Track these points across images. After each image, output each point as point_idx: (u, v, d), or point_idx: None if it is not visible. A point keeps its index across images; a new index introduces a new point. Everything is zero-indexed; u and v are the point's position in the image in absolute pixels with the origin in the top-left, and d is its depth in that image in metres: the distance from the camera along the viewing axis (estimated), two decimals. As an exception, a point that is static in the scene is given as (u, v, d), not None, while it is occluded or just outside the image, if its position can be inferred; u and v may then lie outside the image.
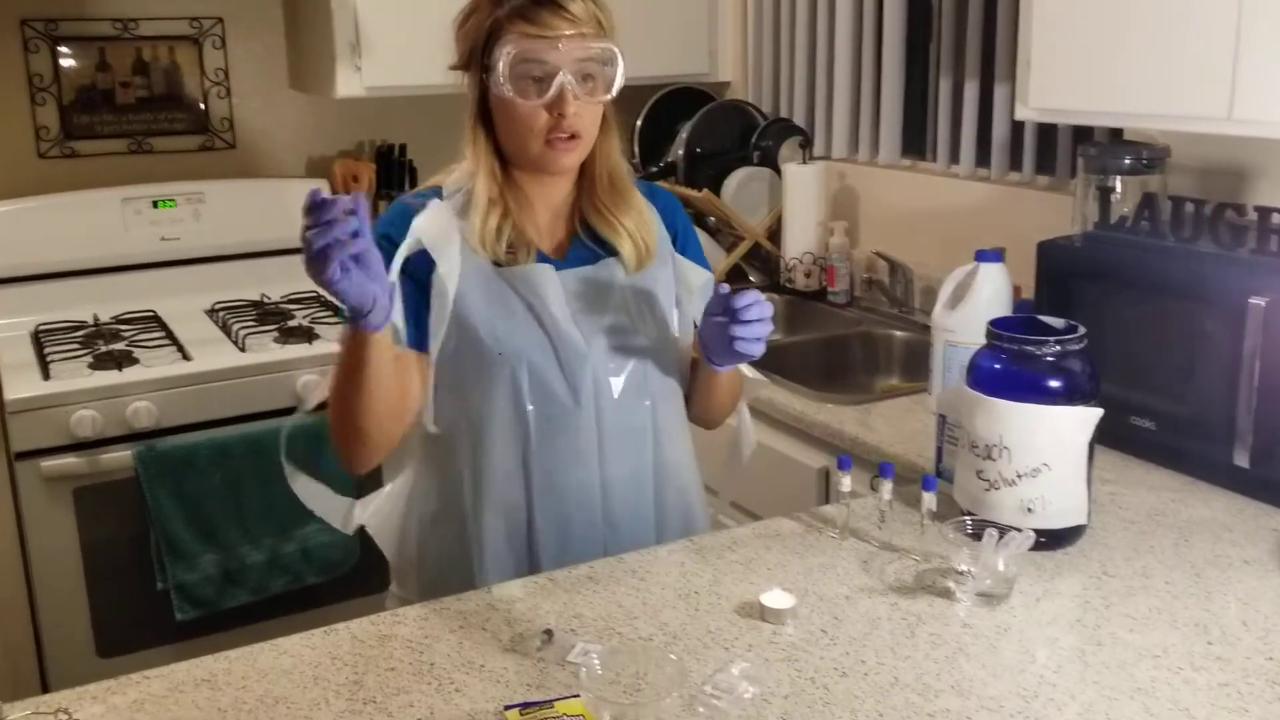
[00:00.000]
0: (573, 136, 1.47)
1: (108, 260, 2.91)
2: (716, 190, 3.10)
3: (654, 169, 3.19)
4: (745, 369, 1.69)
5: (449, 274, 1.49)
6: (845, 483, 1.61)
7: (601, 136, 1.56)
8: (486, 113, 1.53)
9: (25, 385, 2.41)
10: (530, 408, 1.51)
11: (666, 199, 1.70)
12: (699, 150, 3.18)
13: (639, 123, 3.30)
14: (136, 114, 3.03)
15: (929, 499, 1.56)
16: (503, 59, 1.44)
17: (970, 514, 1.56)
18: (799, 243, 2.98)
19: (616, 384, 1.56)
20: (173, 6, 3.02)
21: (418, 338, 1.50)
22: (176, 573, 2.47)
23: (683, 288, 1.64)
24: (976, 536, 1.44)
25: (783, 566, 1.53)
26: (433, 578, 1.60)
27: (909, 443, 2.02)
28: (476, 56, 1.49)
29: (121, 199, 2.90)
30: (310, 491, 1.56)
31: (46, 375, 2.46)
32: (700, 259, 1.69)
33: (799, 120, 3.12)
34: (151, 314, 2.89)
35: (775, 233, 3.08)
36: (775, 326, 3.03)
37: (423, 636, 1.37)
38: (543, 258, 1.55)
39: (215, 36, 3.08)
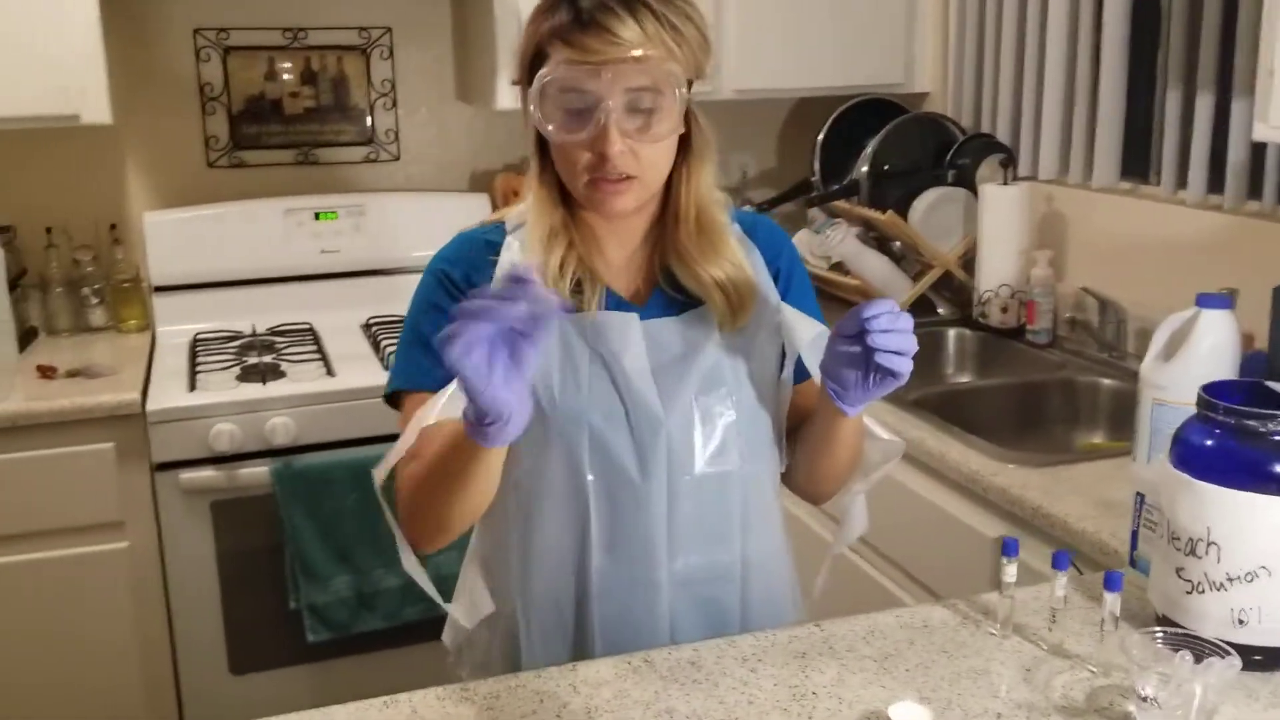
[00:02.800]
0: (624, 178, 1.24)
1: (269, 271, 2.87)
2: (904, 212, 2.82)
3: (833, 188, 2.93)
4: (877, 427, 1.41)
5: None
6: (1010, 572, 1.33)
7: (688, 165, 1.31)
8: (543, 139, 1.29)
9: (169, 396, 2.38)
10: (590, 478, 1.29)
11: (769, 232, 1.43)
12: (887, 167, 2.90)
13: (821, 136, 3.04)
14: (303, 124, 2.99)
15: (1112, 601, 1.26)
16: (538, 86, 1.22)
17: (1166, 620, 1.26)
18: (996, 273, 2.66)
19: (698, 459, 1.31)
20: (342, 16, 2.97)
21: None
22: (309, 593, 2.39)
23: (788, 341, 1.38)
24: (1174, 650, 1.14)
25: (925, 668, 1.26)
26: (482, 659, 1.41)
27: (1103, 519, 1.70)
28: (524, 75, 1.27)
29: (284, 210, 2.87)
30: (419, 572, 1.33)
31: (192, 386, 2.42)
32: (812, 307, 1.42)
33: (1003, 136, 2.81)
34: (307, 327, 2.83)
35: (969, 261, 2.77)
36: (960, 365, 2.76)
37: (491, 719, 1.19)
38: (618, 303, 1.33)
39: (383, 47, 3.01)
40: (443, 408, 1.19)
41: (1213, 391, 1.27)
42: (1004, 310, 2.64)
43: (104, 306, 2.83)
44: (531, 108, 1.24)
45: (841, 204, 2.93)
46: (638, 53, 1.19)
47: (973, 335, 2.70)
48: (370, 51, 3.01)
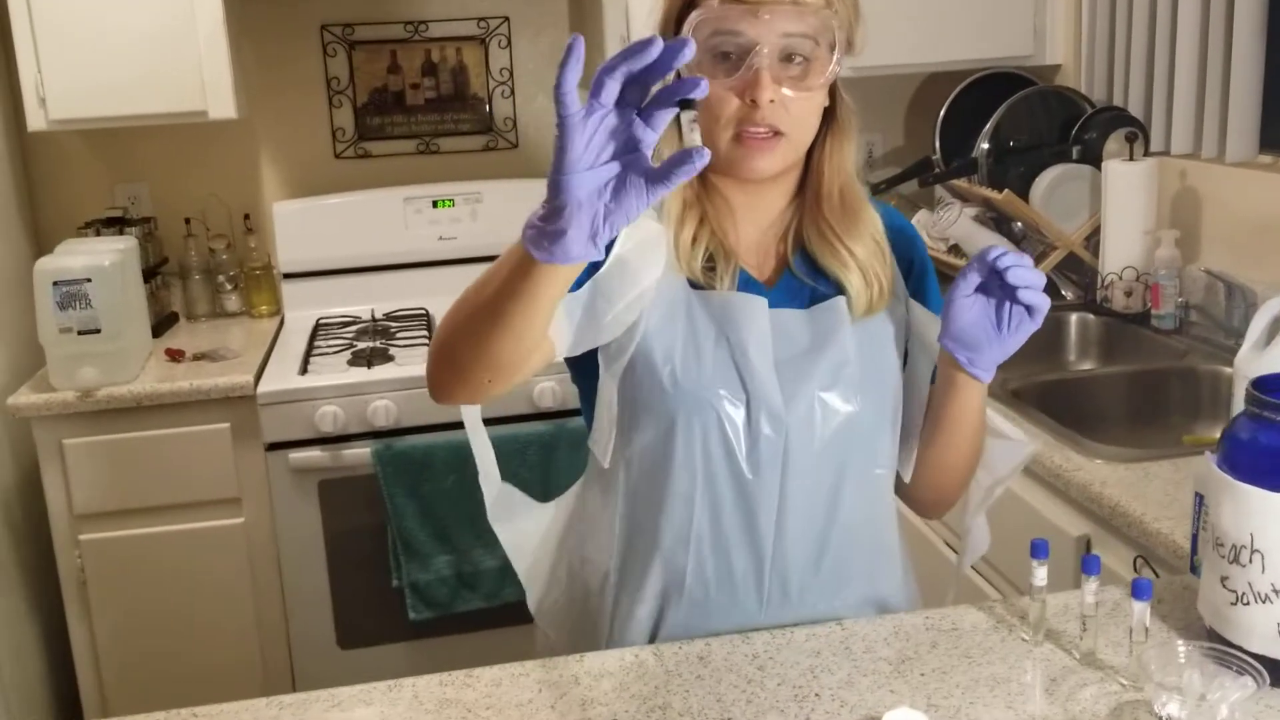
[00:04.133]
0: (773, 134, 1.19)
1: (389, 258, 2.97)
2: (1024, 192, 2.68)
3: (953, 166, 2.81)
4: (1002, 422, 1.35)
5: (646, 300, 1.23)
6: (1040, 575, 1.25)
7: (832, 140, 1.27)
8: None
9: (280, 379, 2.48)
10: (699, 463, 1.24)
11: (901, 225, 1.38)
12: (1011, 144, 2.76)
13: (943, 112, 2.93)
14: (425, 115, 3.07)
15: (1140, 611, 1.17)
16: (690, 26, 1.16)
17: (1214, 634, 1.17)
18: (1121, 255, 2.51)
19: (814, 458, 1.25)
20: (461, 7, 3.03)
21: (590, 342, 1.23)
22: (411, 571, 2.46)
23: (916, 342, 1.32)
24: (1205, 665, 1.06)
25: (942, 674, 1.21)
26: (561, 630, 1.41)
27: (1182, 520, 1.58)
28: (670, 27, 1.23)
29: (404, 198, 2.95)
30: (488, 461, 1.32)
31: (304, 370, 2.52)
32: (937, 309, 1.34)
33: (1135, 109, 2.63)
34: (422, 311, 2.91)
35: (1094, 243, 2.62)
36: (1084, 352, 2.62)
37: (484, 708, 1.20)
38: (747, 282, 1.28)
39: (501, 36, 3.06)
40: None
41: (1266, 386, 1.17)
42: (1128, 294, 2.49)
43: (238, 293, 2.98)
44: None
45: (961, 183, 2.82)
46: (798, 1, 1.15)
47: (1096, 321, 2.56)
48: (489, 41, 3.06)
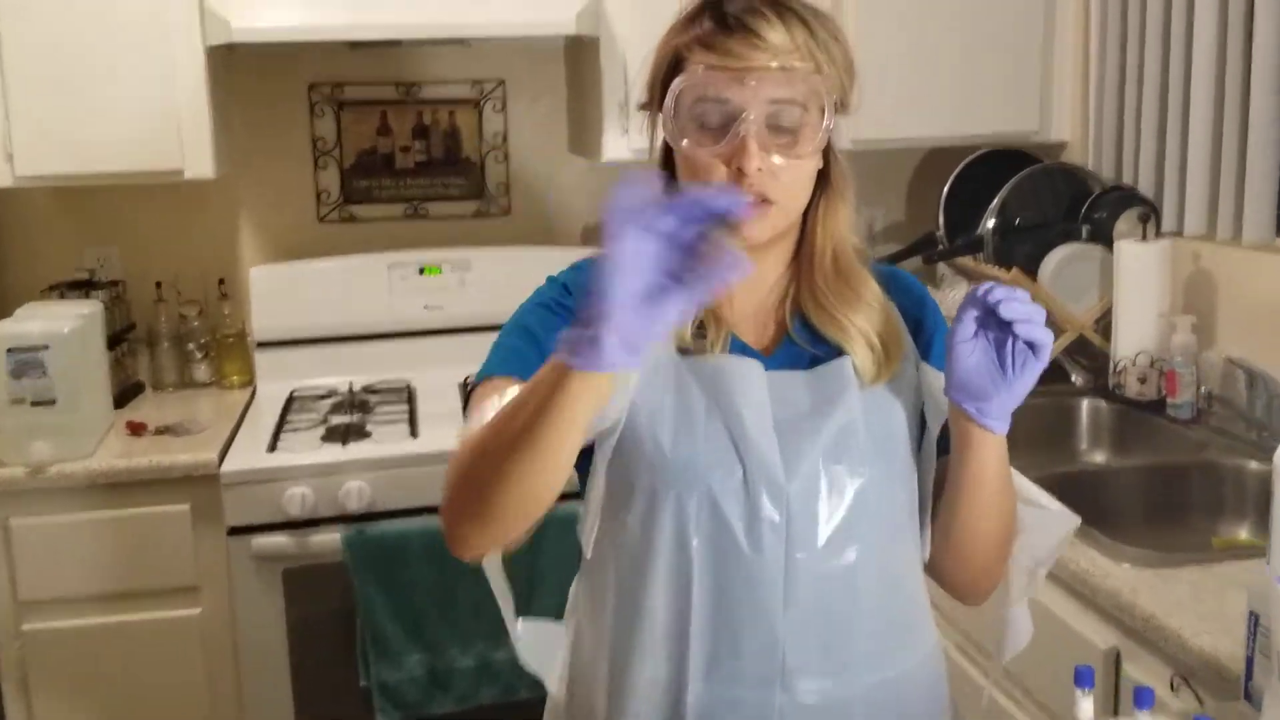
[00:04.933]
0: (761, 201, 1.13)
1: (371, 327, 2.84)
2: (1033, 271, 2.58)
3: (957, 243, 2.72)
4: (1038, 492, 1.24)
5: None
6: (1085, 708, 1.12)
7: (825, 203, 1.21)
8: (672, 164, 1.21)
9: (247, 457, 2.34)
10: (695, 543, 1.14)
11: (908, 284, 1.29)
12: (1017, 222, 2.67)
13: (946, 188, 2.84)
14: (414, 178, 2.96)
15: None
16: (673, 94, 1.13)
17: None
18: (1134, 339, 2.40)
19: (821, 529, 1.14)
20: (456, 69, 2.94)
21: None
22: (381, 670, 2.30)
23: (931, 407, 1.22)
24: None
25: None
26: None
27: (1225, 636, 1.44)
28: (656, 92, 1.18)
29: (389, 264, 2.83)
30: (499, 578, 1.21)
31: (273, 446, 2.38)
32: None
33: (1145, 189, 2.54)
34: (404, 385, 2.78)
35: (1105, 325, 2.51)
36: (1095, 441, 2.50)
37: None
38: (744, 351, 1.20)
39: (496, 100, 2.97)
40: None
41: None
42: (1142, 381, 2.38)
43: (208, 361, 2.84)
44: (663, 122, 1.15)
45: (966, 261, 2.72)
46: (784, 61, 1.11)
47: (1108, 408, 2.44)
48: (483, 104, 2.97)
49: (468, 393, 1.23)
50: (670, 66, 1.16)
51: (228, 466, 2.30)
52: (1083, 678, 1.13)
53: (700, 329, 1.19)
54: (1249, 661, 1.23)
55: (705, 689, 1.15)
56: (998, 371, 1.09)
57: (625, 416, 1.15)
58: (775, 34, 1.11)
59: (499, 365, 1.19)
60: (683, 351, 1.18)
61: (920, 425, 1.24)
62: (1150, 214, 2.41)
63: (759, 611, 1.13)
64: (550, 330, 1.14)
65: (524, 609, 1.23)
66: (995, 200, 2.67)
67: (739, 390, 1.16)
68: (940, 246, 2.80)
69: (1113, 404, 2.43)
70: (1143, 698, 1.10)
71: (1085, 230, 2.57)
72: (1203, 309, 2.38)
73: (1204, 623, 1.48)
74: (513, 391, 1.06)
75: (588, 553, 1.22)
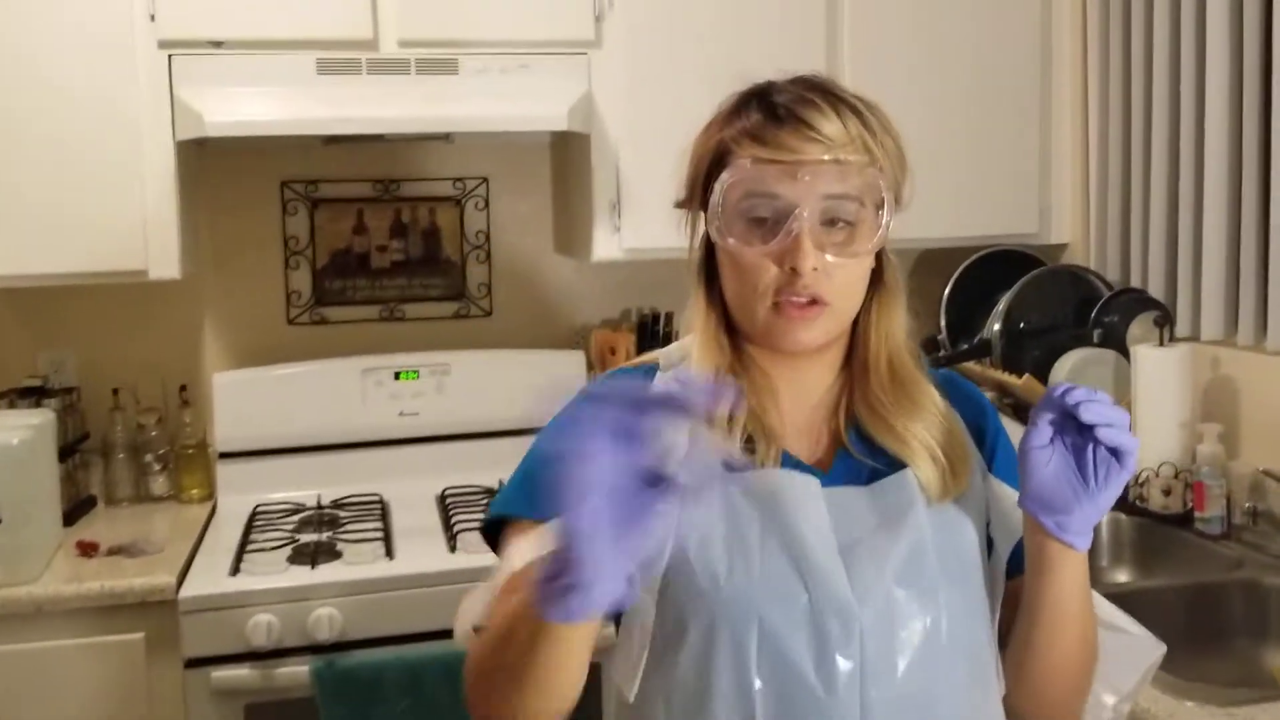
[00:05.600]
0: (813, 302, 1.05)
1: (342, 436, 2.67)
2: (1043, 376, 2.47)
3: (963, 348, 2.61)
4: (1121, 616, 1.14)
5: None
6: None
7: (878, 305, 1.12)
8: (713, 264, 1.11)
9: (207, 581, 2.14)
10: (758, 685, 1.00)
11: (968, 393, 1.19)
12: (1023, 326, 2.57)
13: (948, 290, 2.74)
14: (391, 279, 2.82)
15: None
16: (720, 189, 1.06)
17: None
18: (1155, 450, 2.27)
19: (899, 663, 1.02)
20: (437, 165, 2.82)
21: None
22: (352, 822, 2.08)
23: (998, 524, 1.11)
24: None
25: None
26: None
27: (1319, 790, 1.30)
28: (698, 188, 1.09)
29: (362, 369, 2.67)
30: None
31: (236, 569, 2.18)
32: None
33: (1155, 291, 2.46)
34: (376, 498, 2.60)
35: (1122, 434, 2.40)
36: (1117, 557, 2.36)
37: None
38: (796, 467, 1.08)
39: (479, 197, 2.85)
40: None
41: None
42: (1166, 493, 2.25)
43: (167, 474, 2.65)
44: (714, 215, 1.06)
45: (973, 366, 2.60)
46: (838, 154, 1.04)
47: (1130, 521, 2.31)
48: (465, 202, 2.84)
49: (486, 522, 1.12)
50: (715, 161, 1.08)
51: (186, 592, 2.10)
52: None
53: (749, 443, 1.07)
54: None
55: None
56: (1079, 481, 0.99)
57: (671, 544, 1.01)
58: (829, 125, 1.04)
59: (511, 503, 1.09)
60: (730, 468, 1.05)
61: (989, 545, 1.12)
62: (1165, 318, 2.31)
63: None
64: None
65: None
66: (1001, 303, 2.57)
67: (797, 510, 1.04)
68: (943, 351, 2.68)
69: (1135, 518, 2.30)
70: None
71: (1097, 334, 2.47)
72: (1225, 417, 2.27)
73: (1291, 776, 1.32)
74: (530, 542, 0.94)
75: (629, 695, 1.06)
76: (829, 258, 1.05)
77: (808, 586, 1.01)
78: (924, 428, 1.09)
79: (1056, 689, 1.11)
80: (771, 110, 1.06)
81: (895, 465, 1.09)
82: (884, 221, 1.07)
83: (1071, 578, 1.05)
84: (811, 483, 1.06)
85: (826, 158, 1.03)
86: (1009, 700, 1.12)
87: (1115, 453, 0.98)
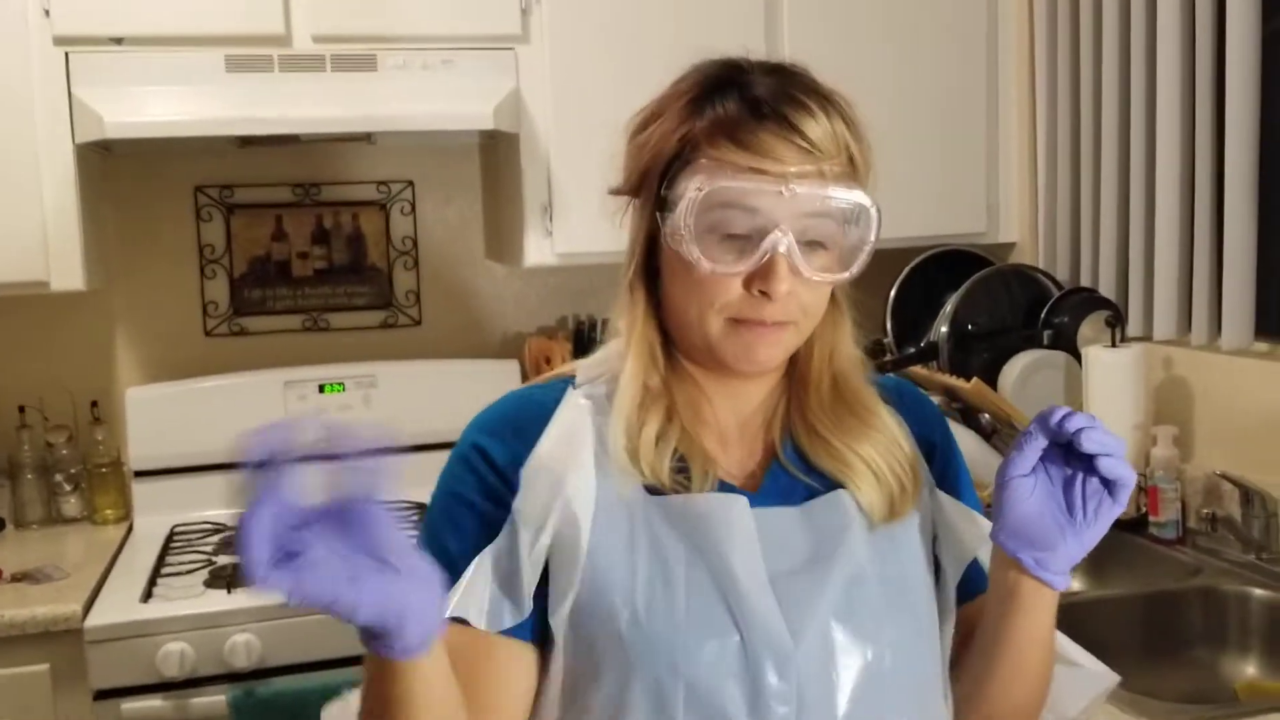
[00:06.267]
0: (779, 324, 0.95)
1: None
2: (992, 379, 2.40)
3: (909, 352, 2.53)
4: (1075, 649, 1.06)
5: (581, 510, 0.93)
6: None
7: (825, 320, 0.99)
8: (654, 266, 0.98)
9: (115, 608, 2.01)
10: None
11: (915, 399, 1.09)
12: (970, 328, 2.50)
13: (894, 293, 2.66)
14: (314, 287, 2.70)
15: None
16: (688, 199, 0.91)
17: None
18: (1106, 452, 2.21)
19: (839, 704, 0.92)
20: (359, 168, 2.70)
21: (515, 615, 0.94)
22: None
23: (948, 546, 1.02)
24: None
25: None
26: None
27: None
28: (652, 182, 0.95)
29: (285, 382, 2.55)
30: None
31: (148, 595, 2.05)
32: (972, 498, 1.05)
33: (1106, 290, 2.39)
34: (301, 517, 2.47)
35: (1073, 437, 2.33)
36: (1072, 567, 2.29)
37: None
38: (726, 489, 0.97)
39: (404, 202, 2.73)
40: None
41: None
42: (1120, 498, 2.18)
43: (79, 494, 2.51)
44: (679, 227, 0.92)
45: (919, 370, 2.52)
46: (826, 165, 0.92)
47: (1082, 527, 2.24)
48: (390, 207, 2.73)
49: None
50: (677, 154, 0.94)
51: (93, 620, 1.97)
52: None
53: (680, 469, 0.96)
54: None
55: None
56: (1063, 515, 0.91)
57: (580, 573, 0.92)
58: (816, 128, 0.91)
59: None
60: (652, 491, 0.95)
61: (935, 565, 1.03)
62: (1117, 319, 2.24)
63: None
64: (456, 531, 0.95)
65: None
66: (947, 305, 2.50)
67: (724, 536, 0.94)
68: (889, 355, 2.60)
69: (1087, 524, 2.23)
70: None
71: (1047, 336, 2.40)
72: (1179, 419, 2.20)
73: (1260, 802, 1.24)
74: None
75: None
76: (806, 277, 0.93)
77: (739, 626, 0.91)
78: (870, 446, 1.00)
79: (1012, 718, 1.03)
80: (752, 105, 0.92)
81: (832, 486, 1.00)
82: (870, 240, 0.95)
83: (1042, 619, 0.97)
84: (739, 504, 0.96)
85: (814, 169, 0.91)
86: None
87: (1108, 485, 0.90)
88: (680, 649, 0.90)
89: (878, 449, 1.00)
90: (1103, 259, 2.41)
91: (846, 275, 0.96)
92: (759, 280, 0.92)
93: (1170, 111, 2.18)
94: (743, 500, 0.96)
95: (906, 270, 2.66)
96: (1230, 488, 2.02)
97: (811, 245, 0.93)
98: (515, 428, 0.97)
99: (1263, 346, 2.09)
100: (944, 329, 2.48)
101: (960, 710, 1.03)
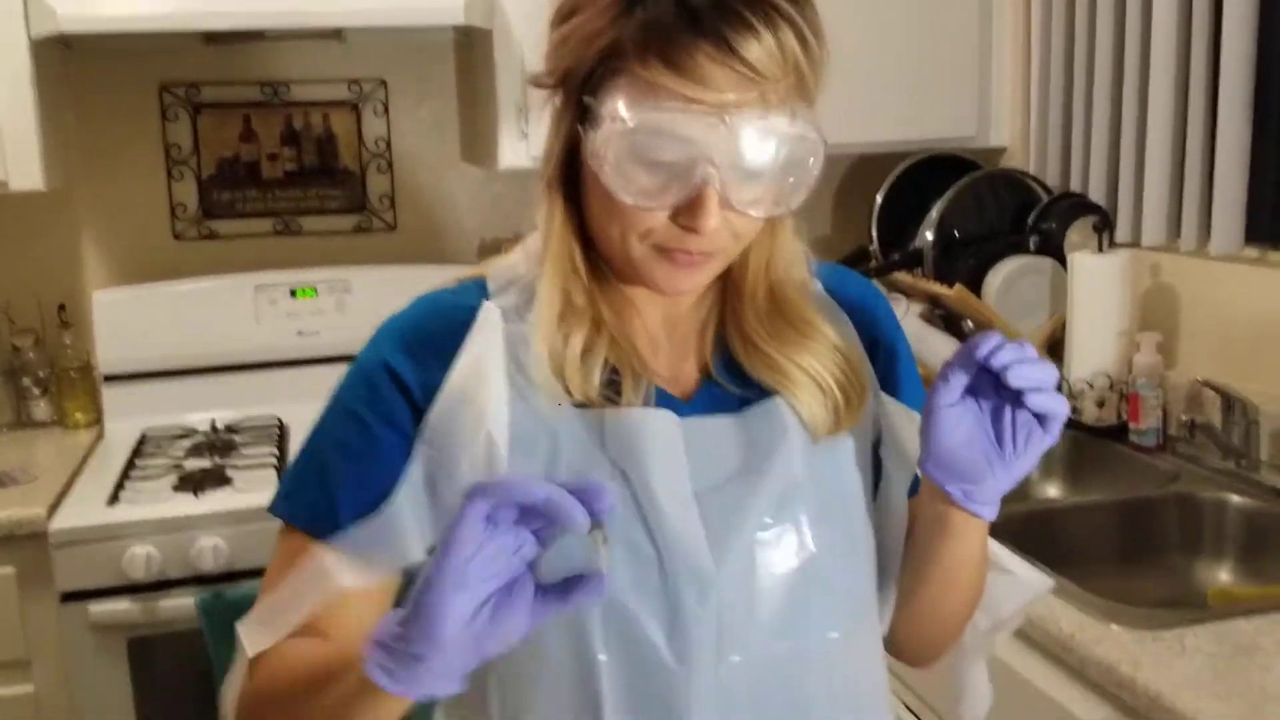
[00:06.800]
0: (705, 253, 0.88)
1: (236, 356, 2.49)
2: (977, 286, 2.35)
3: (894, 258, 2.48)
4: (1008, 556, 1.03)
5: (499, 437, 0.87)
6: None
7: (763, 234, 0.92)
8: (575, 171, 0.90)
9: (80, 511, 1.99)
10: (602, 659, 0.87)
11: (862, 293, 1.03)
12: (957, 234, 2.44)
13: (880, 198, 2.60)
14: (284, 190, 2.63)
15: None
16: (610, 120, 0.83)
17: None
18: (1090, 360, 2.18)
19: (763, 622, 0.89)
20: (330, 67, 2.62)
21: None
22: (245, 755, 1.96)
23: (894, 451, 0.98)
24: None
25: None
26: None
27: (1253, 714, 1.20)
28: (574, 85, 0.86)
29: (255, 286, 2.49)
30: None
31: (115, 499, 2.03)
32: (919, 396, 1.01)
33: (1096, 196, 2.33)
34: (275, 421, 2.44)
35: (1057, 344, 2.29)
36: (1048, 472, 2.27)
37: None
38: (663, 398, 0.92)
39: (377, 102, 2.65)
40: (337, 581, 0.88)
41: None
42: (1101, 405, 2.15)
43: (48, 398, 2.47)
44: (599, 150, 0.84)
45: (903, 276, 2.48)
46: (770, 90, 0.82)
47: (1063, 435, 2.20)
48: (362, 107, 2.65)
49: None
50: (601, 59, 0.84)
51: (57, 524, 1.95)
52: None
53: (614, 375, 0.91)
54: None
55: None
56: (992, 446, 0.87)
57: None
58: (760, 50, 0.80)
59: (293, 512, 0.93)
60: (580, 406, 0.90)
61: (876, 470, 0.99)
62: (1105, 223, 2.19)
63: None
64: (353, 459, 0.90)
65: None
66: (933, 210, 2.44)
67: (647, 450, 0.88)
68: (874, 261, 2.55)
69: (1067, 431, 2.20)
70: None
71: (1033, 241, 2.34)
72: (1164, 326, 2.16)
73: (1227, 704, 1.23)
74: (311, 581, 0.88)
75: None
76: (740, 213, 0.86)
77: (656, 544, 0.87)
78: (811, 356, 0.94)
79: (939, 634, 1.03)
80: (690, 15, 0.80)
81: (768, 394, 0.95)
82: (813, 173, 0.87)
83: (972, 545, 0.94)
84: (666, 418, 0.91)
85: (752, 94, 0.82)
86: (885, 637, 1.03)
87: (1040, 418, 0.86)
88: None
89: (819, 359, 0.94)
90: (1094, 164, 2.34)
91: (783, 210, 0.88)
92: (686, 215, 0.85)
93: (1166, 12, 2.10)
94: (666, 414, 0.91)
95: (893, 175, 2.60)
96: (1212, 395, 1.98)
97: (750, 178, 0.85)
98: (432, 345, 0.90)
99: (1252, 253, 2.04)
100: (929, 234, 2.43)
101: (899, 615, 1.01)
